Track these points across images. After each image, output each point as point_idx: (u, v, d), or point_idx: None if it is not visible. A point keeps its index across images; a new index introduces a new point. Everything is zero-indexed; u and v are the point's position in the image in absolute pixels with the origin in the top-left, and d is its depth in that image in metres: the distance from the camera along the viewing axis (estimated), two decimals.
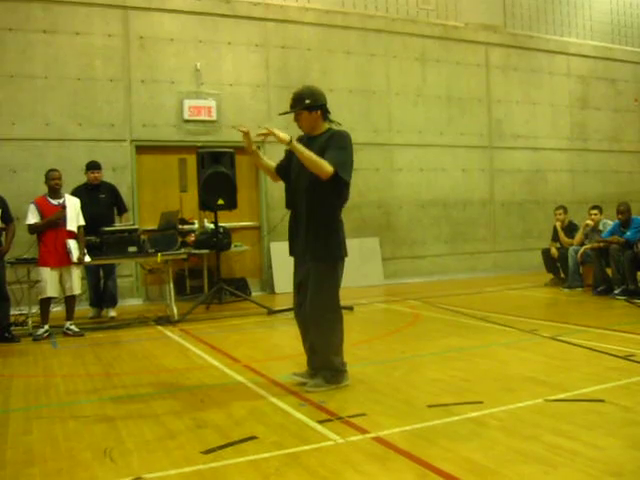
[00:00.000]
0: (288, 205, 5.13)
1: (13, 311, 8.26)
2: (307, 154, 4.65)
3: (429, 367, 5.70)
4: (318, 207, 4.80)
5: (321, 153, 4.73)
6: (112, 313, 9.51)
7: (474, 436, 3.82)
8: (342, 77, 12.68)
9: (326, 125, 4.98)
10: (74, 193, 8.95)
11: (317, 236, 4.83)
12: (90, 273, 9.43)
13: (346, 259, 5.01)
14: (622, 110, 16.09)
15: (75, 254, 7.85)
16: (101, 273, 9.51)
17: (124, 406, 4.77)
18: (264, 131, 4.75)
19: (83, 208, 8.49)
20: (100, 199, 9.34)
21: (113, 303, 9.65)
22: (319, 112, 4.90)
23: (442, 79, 13.72)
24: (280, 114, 5.12)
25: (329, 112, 5.01)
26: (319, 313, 4.88)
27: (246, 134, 4.89)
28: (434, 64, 13.64)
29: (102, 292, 9.60)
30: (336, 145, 4.77)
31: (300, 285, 5.03)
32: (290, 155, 5.00)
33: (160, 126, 11.14)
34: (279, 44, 12.16)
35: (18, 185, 9.72)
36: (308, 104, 4.86)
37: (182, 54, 11.36)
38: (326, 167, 4.65)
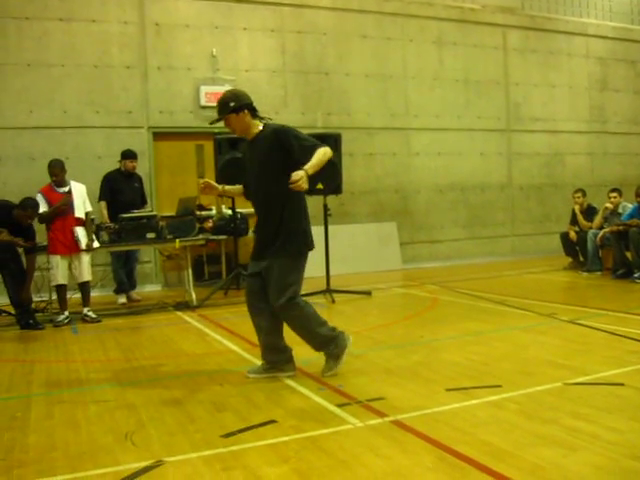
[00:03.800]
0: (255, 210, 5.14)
1: (34, 298, 8.34)
2: (317, 163, 4.60)
3: (447, 351, 5.70)
4: (276, 206, 4.76)
5: (270, 152, 4.77)
6: (136, 295, 9.80)
7: (493, 419, 3.82)
8: (358, 61, 12.63)
9: (258, 123, 4.96)
10: (108, 177, 9.26)
11: (277, 234, 4.82)
12: (116, 259, 9.57)
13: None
14: None
15: (83, 241, 7.90)
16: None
17: (144, 391, 4.82)
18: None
19: (120, 193, 8.62)
20: (135, 187, 9.61)
21: (134, 287, 9.92)
22: (246, 111, 4.88)
23: (459, 62, 13.61)
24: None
25: (257, 110, 4.98)
26: (286, 310, 4.83)
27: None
28: (451, 47, 13.53)
29: (129, 278, 9.81)
30: (293, 138, 4.74)
31: (257, 275, 4.94)
32: (245, 164, 5.12)
33: (177, 112, 11.16)
34: (295, 29, 12.11)
35: (37, 173, 9.75)
36: (233, 107, 4.84)
37: (198, 40, 11.35)
38: (327, 155, 4.65)
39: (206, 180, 5.30)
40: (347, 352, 4.98)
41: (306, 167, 4.53)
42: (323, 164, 4.66)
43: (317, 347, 5.02)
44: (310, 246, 4.95)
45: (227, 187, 5.41)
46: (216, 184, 5.34)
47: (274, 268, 4.78)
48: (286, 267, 4.79)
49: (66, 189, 8.02)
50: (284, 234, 4.80)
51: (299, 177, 4.43)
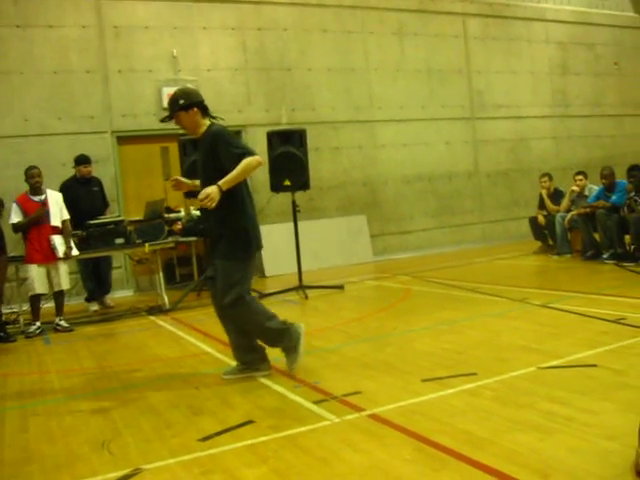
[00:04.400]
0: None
1: (4, 310, 8.23)
2: (235, 176, 4.63)
3: (422, 341, 5.73)
4: (217, 206, 4.67)
5: (211, 152, 4.79)
6: (109, 301, 9.72)
7: (469, 408, 3.84)
8: (320, 56, 12.62)
9: (207, 122, 4.97)
10: (65, 187, 9.01)
11: (220, 235, 4.84)
12: (85, 266, 9.45)
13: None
14: (602, 74, 16.08)
15: (61, 249, 7.81)
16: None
17: (119, 398, 4.78)
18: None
19: (78, 202, 8.50)
20: (94, 192, 9.43)
21: (108, 292, 9.83)
22: (196, 109, 4.89)
23: (421, 52, 13.66)
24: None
25: (207, 109, 4.99)
26: (232, 308, 4.83)
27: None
28: (412, 38, 13.57)
29: (102, 280, 9.68)
30: (224, 144, 4.74)
31: (212, 279, 5.00)
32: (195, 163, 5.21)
33: (140, 115, 11.07)
34: (255, 26, 12.07)
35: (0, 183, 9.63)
36: (182, 104, 4.86)
37: (158, 42, 11.26)
38: (249, 166, 4.66)
39: (175, 177, 5.33)
40: (303, 341, 4.93)
41: (220, 182, 4.58)
42: (244, 176, 4.74)
43: (271, 343, 5.00)
44: (253, 246, 4.91)
45: (197, 182, 5.39)
46: (186, 180, 5.34)
47: (219, 269, 4.84)
48: (229, 268, 4.80)
49: (42, 197, 7.91)
50: (226, 235, 4.82)
51: (205, 195, 4.53)
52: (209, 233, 4.99)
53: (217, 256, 4.86)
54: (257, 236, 4.95)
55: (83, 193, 9.14)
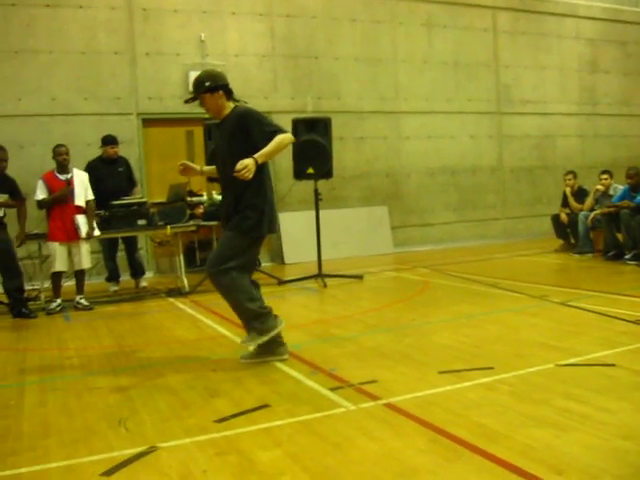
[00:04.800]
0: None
1: (26, 286, 8.33)
2: (269, 151, 4.66)
3: (439, 334, 5.72)
4: (239, 185, 4.73)
5: (234, 132, 4.81)
6: (143, 283, 9.73)
7: (485, 401, 3.84)
8: (348, 45, 12.57)
9: (231, 104, 4.99)
10: (90, 167, 9.03)
11: (236, 210, 4.85)
12: (107, 247, 9.50)
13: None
14: (632, 73, 15.88)
15: (84, 229, 7.87)
16: (119, 246, 9.64)
17: (137, 377, 4.82)
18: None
19: (102, 182, 8.55)
20: (119, 172, 9.38)
21: (142, 273, 9.83)
22: (221, 92, 4.91)
23: (449, 45, 13.57)
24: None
25: (232, 92, 5.01)
26: (217, 277, 4.84)
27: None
28: (441, 30, 13.48)
29: (131, 265, 9.69)
30: (256, 122, 4.77)
31: None
32: (215, 147, 5.27)
33: (166, 98, 11.10)
34: (284, 12, 12.04)
35: (26, 161, 9.70)
36: (208, 86, 4.88)
37: (186, 25, 11.27)
38: (283, 142, 4.69)
39: (183, 162, 5.34)
40: (273, 333, 4.90)
41: (256, 155, 4.60)
42: (278, 152, 4.78)
43: (245, 322, 4.97)
44: (265, 229, 4.90)
45: (205, 167, 5.48)
46: (194, 165, 5.38)
47: (221, 238, 4.91)
48: (231, 239, 4.85)
49: (68, 176, 7.98)
50: (241, 211, 4.83)
51: (243, 166, 4.52)
52: (224, 208, 4.99)
53: (227, 228, 4.90)
54: (272, 219, 4.95)
55: (108, 173, 9.14)
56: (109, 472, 3.13)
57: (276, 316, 5.00)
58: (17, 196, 7.82)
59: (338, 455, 3.19)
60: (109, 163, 9.33)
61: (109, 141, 9.36)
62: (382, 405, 3.87)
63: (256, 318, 4.90)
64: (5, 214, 7.82)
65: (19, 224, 7.84)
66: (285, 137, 4.71)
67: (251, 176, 4.54)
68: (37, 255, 8.34)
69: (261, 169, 4.72)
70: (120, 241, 9.56)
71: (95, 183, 8.61)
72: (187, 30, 11.27)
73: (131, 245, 9.62)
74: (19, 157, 9.86)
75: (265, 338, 4.89)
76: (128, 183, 9.52)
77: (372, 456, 3.15)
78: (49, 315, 7.73)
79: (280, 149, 4.76)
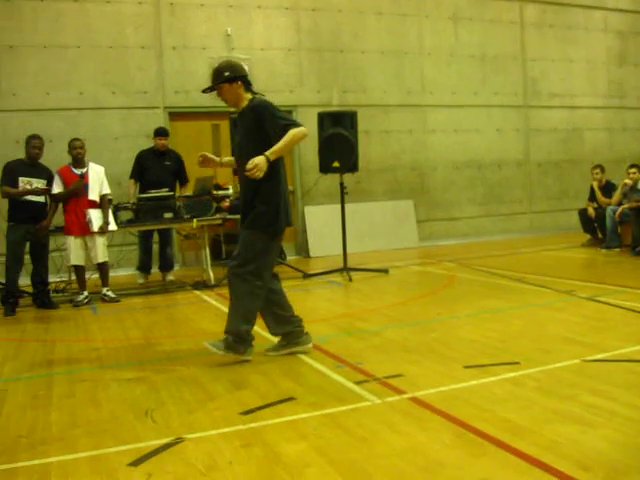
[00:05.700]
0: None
1: (54, 278, 8.44)
2: (282, 147, 4.65)
3: (465, 328, 5.71)
4: (256, 182, 4.70)
5: (251, 125, 4.80)
6: (171, 277, 9.79)
7: (511, 396, 3.83)
8: (374, 38, 12.54)
9: (249, 96, 4.97)
10: (139, 156, 9.27)
11: (252, 206, 4.82)
12: (141, 238, 9.58)
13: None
14: None
15: (96, 224, 7.90)
16: (155, 238, 9.72)
17: (164, 369, 4.87)
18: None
19: (147, 172, 8.64)
20: (165, 166, 9.44)
21: (171, 267, 9.91)
22: (240, 83, 4.90)
23: (475, 38, 13.48)
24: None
25: (251, 84, 5.01)
26: (231, 275, 4.85)
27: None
28: (467, 23, 13.39)
29: (161, 258, 9.77)
30: (269, 115, 4.74)
31: None
32: (236, 140, 5.18)
33: (192, 92, 11.12)
34: (309, 6, 12.03)
35: (55, 155, 9.77)
36: (227, 76, 4.87)
37: (212, 19, 11.31)
38: (295, 137, 4.67)
39: (203, 153, 5.32)
40: (236, 359, 4.85)
41: (268, 153, 4.59)
42: (291, 147, 4.80)
43: (228, 327, 4.89)
44: (282, 222, 4.86)
45: (225, 159, 5.47)
46: (214, 156, 5.38)
47: (241, 238, 4.87)
48: (252, 237, 4.81)
49: (84, 170, 8.05)
50: (257, 208, 4.80)
51: (253, 165, 4.53)
52: (242, 201, 4.97)
53: (244, 226, 4.88)
54: (286, 214, 4.92)
55: (154, 164, 9.20)
56: (136, 462, 3.16)
57: (252, 347, 4.94)
58: (50, 184, 7.92)
59: (363, 449, 3.20)
60: (158, 155, 9.43)
61: (158, 132, 9.49)
62: (407, 399, 3.87)
63: (237, 335, 4.84)
64: (47, 202, 7.91)
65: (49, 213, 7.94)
66: (298, 131, 4.67)
67: (262, 175, 4.55)
68: (65, 248, 8.42)
69: (275, 164, 4.70)
70: (155, 233, 9.64)
71: (141, 173, 8.62)
72: (213, 24, 11.31)
73: (165, 238, 9.70)
74: (48, 151, 9.83)
75: (227, 355, 4.84)
76: (174, 177, 9.56)
77: (397, 450, 3.16)
78: (76, 307, 7.81)
79: (293, 144, 4.76)
